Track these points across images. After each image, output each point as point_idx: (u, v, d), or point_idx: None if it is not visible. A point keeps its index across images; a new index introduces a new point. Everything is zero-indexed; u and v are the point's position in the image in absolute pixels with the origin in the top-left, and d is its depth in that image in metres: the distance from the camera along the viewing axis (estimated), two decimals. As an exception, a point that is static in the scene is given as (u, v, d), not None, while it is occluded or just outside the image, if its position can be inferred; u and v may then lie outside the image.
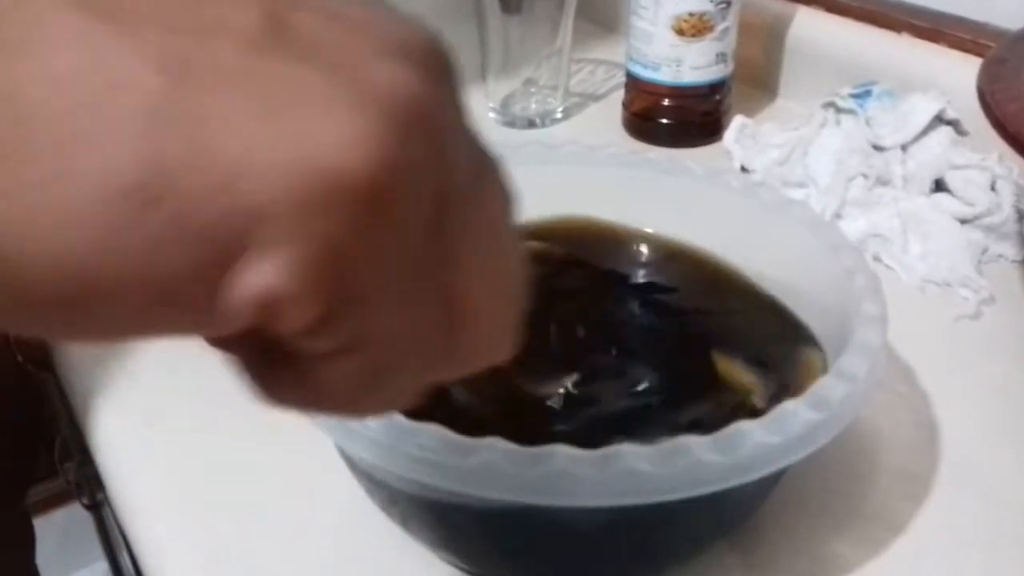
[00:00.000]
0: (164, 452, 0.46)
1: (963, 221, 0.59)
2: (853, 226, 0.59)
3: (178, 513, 0.43)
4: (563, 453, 0.29)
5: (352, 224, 0.16)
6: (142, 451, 0.46)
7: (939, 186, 0.61)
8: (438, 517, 0.35)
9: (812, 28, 0.76)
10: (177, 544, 0.41)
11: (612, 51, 0.82)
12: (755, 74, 0.79)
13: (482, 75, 0.77)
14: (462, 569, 0.38)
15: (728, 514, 0.36)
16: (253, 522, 0.42)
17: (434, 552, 0.39)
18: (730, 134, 0.69)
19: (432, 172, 0.17)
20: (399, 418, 0.31)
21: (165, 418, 0.48)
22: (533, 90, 0.76)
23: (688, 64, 0.68)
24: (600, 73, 0.84)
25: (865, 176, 0.60)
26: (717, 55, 0.68)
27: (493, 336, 0.20)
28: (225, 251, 0.15)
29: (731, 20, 0.68)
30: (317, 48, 0.16)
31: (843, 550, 0.40)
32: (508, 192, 0.20)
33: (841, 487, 0.43)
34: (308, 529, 0.41)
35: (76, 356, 0.53)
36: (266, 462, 0.44)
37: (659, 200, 0.47)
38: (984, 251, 0.58)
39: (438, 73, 0.18)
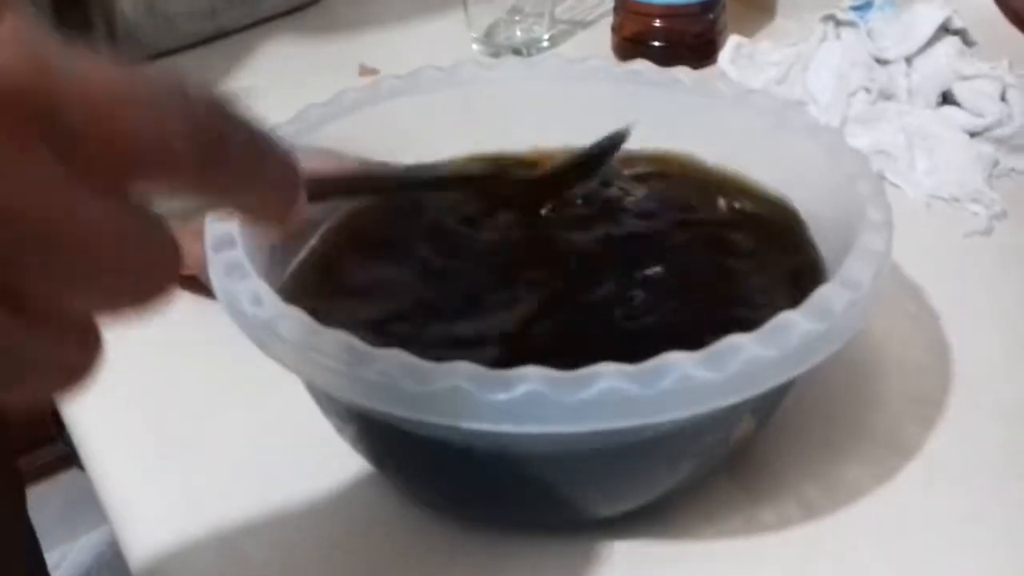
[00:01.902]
0: (134, 402, 0.43)
1: (972, 134, 0.55)
2: (856, 143, 0.55)
3: (149, 463, 0.41)
4: (536, 375, 0.27)
5: None
6: (110, 401, 0.44)
7: (946, 99, 0.57)
8: (407, 451, 0.33)
9: (809, -58, 0.72)
10: (148, 494, 0.39)
11: (601, -23, 0.78)
12: (751, -6, 0.75)
13: (463, 4, 0.73)
14: (439, 507, 0.36)
15: (725, 439, 0.33)
16: (226, 472, 0.39)
17: (409, 490, 0.36)
18: (725, 55, 0.65)
19: None
20: (358, 343, 0.28)
21: (135, 370, 0.45)
22: (518, 18, 0.73)
23: (679, -19, 0.64)
24: (588, 0, 0.80)
25: (867, 90, 0.57)
26: (709, -30, 0.65)
27: None
28: None
29: (723, -67, 0.64)
30: None
31: (853, 475, 0.38)
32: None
33: (848, 412, 0.41)
34: (281, 476, 0.39)
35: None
36: (236, 411, 0.42)
37: (648, 113, 0.43)
38: (995, 165, 0.55)
39: None
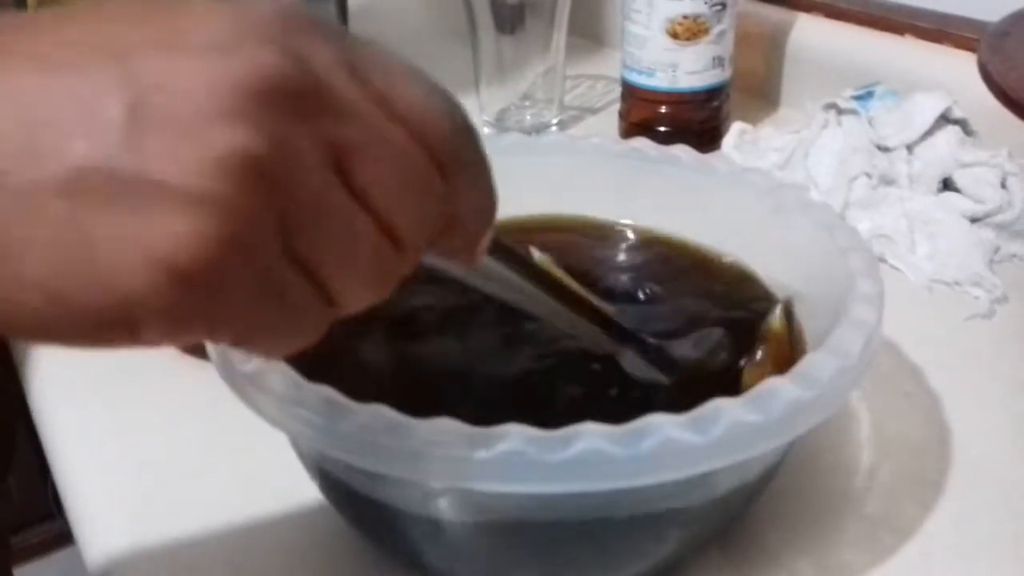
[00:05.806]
0: (119, 451, 0.43)
1: (973, 219, 0.56)
2: (857, 227, 0.56)
3: (131, 513, 0.40)
4: (517, 433, 0.27)
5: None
6: (98, 450, 0.44)
7: (947, 186, 0.58)
8: (394, 517, 0.32)
9: (813, 35, 0.74)
10: (126, 544, 0.39)
11: (611, 67, 0.80)
12: (756, 85, 0.77)
13: (475, 89, 0.75)
14: (420, 568, 0.35)
15: (715, 512, 0.33)
16: (206, 523, 0.39)
17: (392, 555, 0.36)
18: (729, 140, 0.66)
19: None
20: (339, 398, 0.28)
21: (122, 419, 0.45)
22: (528, 103, 0.74)
23: (684, 68, 0.66)
24: (598, 88, 0.82)
25: (868, 175, 0.57)
26: (714, 59, 0.66)
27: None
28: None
29: (727, 23, 0.66)
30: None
31: (848, 556, 0.37)
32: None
33: (844, 490, 0.40)
34: (260, 528, 0.38)
35: (40, 356, 0.50)
36: (219, 463, 0.42)
37: (646, 190, 0.44)
38: (996, 251, 0.55)
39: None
